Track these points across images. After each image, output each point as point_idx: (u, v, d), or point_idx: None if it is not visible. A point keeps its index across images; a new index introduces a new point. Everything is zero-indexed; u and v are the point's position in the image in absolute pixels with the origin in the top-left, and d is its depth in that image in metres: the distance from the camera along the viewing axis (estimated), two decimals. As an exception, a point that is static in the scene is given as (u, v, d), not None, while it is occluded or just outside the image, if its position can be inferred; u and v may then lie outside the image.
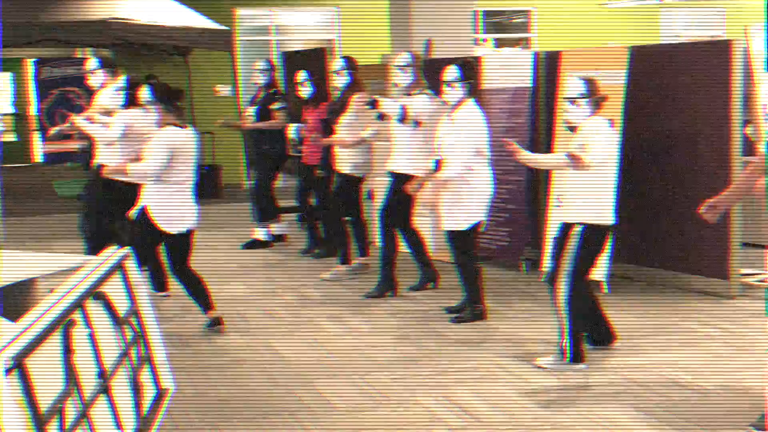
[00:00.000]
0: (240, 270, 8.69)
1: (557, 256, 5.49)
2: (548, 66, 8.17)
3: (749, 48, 7.00)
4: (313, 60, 10.67)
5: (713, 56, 6.92)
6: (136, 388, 3.94)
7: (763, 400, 4.52)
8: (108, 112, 7.52)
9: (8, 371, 2.62)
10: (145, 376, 4.13)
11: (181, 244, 6.26)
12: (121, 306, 4.03)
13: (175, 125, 6.19)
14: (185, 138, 6.20)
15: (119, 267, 4.23)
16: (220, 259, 9.17)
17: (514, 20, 17.62)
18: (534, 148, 8.08)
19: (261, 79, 9.40)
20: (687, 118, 7.23)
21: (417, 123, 7.00)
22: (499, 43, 17.21)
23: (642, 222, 7.64)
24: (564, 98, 5.53)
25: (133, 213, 6.33)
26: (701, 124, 7.08)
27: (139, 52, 14.26)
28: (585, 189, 5.41)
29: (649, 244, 7.64)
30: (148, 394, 4.11)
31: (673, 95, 7.35)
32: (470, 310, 6.64)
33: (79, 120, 7.47)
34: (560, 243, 5.49)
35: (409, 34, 10.53)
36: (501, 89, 8.40)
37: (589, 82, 5.47)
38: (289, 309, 7.18)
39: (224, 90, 14.51)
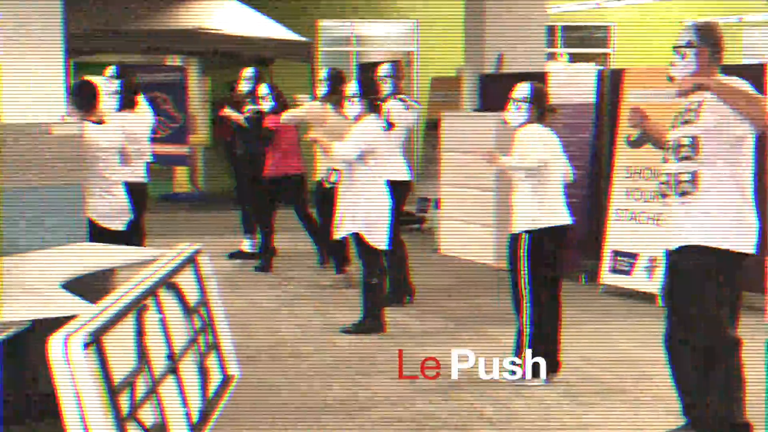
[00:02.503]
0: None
1: (513, 265, 5.47)
2: (612, 83, 8.33)
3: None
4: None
5: (748, 80, 6.95)
6: (204, 372, 4.20)
7: None
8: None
9: (87, 345, 2.92)
10: (212, 361, 4.41)
11: (119, 241, 6.19)
12: (192, 296, 4.32)
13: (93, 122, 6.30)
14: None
15: (192, 261, 4.55)
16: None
17: (594, 35, 17.67)
18: (597, 163, 8.27)
19: (245, 87, 9.33)
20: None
21: (390, 126, 7.03)
22: (576, 58, 17.29)
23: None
24: (510, 98, 5.54)
25: None
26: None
27: (225, 60, 14.75)
28: (526, 197, 5.43)
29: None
30: (215, 378, 4.40)
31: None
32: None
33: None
34: (513, 253, 5.48)
35: (482, 48, 10.72)
36: (564, 104, 8.59)
37: (536, 89, 5.50)
38: (352, 308, 7.28)
39: (304, 99, 14.89)
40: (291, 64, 14.12)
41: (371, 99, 6.68)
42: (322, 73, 8.18)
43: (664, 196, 4.46)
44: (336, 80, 7.98)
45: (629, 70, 8.12)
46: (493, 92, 10.18)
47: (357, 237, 6.65)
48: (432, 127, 11.66)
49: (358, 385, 5.53)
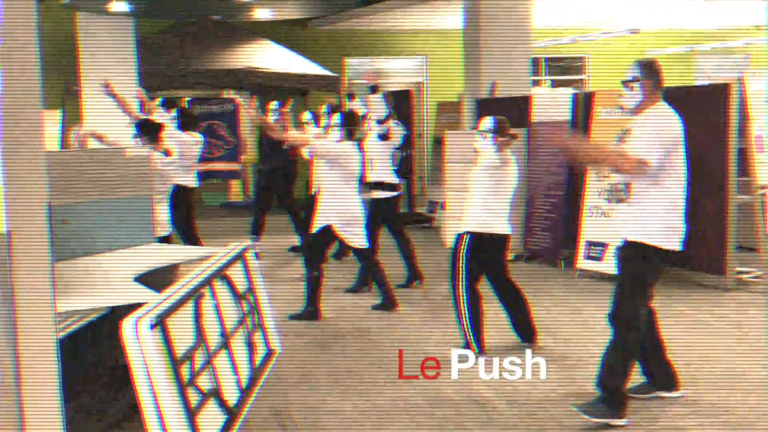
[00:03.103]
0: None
1: (453, 262, 5.27)
2: (585, 103, 8.28)
3: (745, 90, 7.00)
4: (401, 99, 10.99)
5: (715, 97, 6.96)
6: (251, 347, 4.20)
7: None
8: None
9: (153, 326, 2.96)
10: (258, 338, 4.41)
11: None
12: (241, 285, 4.32)
13: (158, 150, 6.23)
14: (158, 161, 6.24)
15: (240, 257, 4.55)
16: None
17: (573, 65, 17.60)
18: (572, 172, 8.22)
19: (272, 117, 9.22)
20: (694, 144, 7.24)
21: (386, 137, 6.99)
22: (557, 84, 17.20)
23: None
24: (477, 132, 5.37)
25: None
26: (705, 150, 7.10)
27: (269, 92, 14.82)
28: (477, 202, 5.26)
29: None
30: (260, 351, 4.40)
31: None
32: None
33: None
34: (455, 251, 5.27)
35: (479, 78, 10.70)
36: (545, 122, 8.56)
37: (498, 121, 5.29)
38: (348, 307, 6.93)
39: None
40: (322, 94, 14.18)
41: (350, 128, 6.53)
42: (324, 107, 8.17)
43: (608, 201, 4.48)
44: (335, 113, 7.94)
45: (598, 92, 8.07)
46: (488, 113, 10.13)
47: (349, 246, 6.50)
48: (438, 143, 11.65)
49: (358, 385, 4.97)
